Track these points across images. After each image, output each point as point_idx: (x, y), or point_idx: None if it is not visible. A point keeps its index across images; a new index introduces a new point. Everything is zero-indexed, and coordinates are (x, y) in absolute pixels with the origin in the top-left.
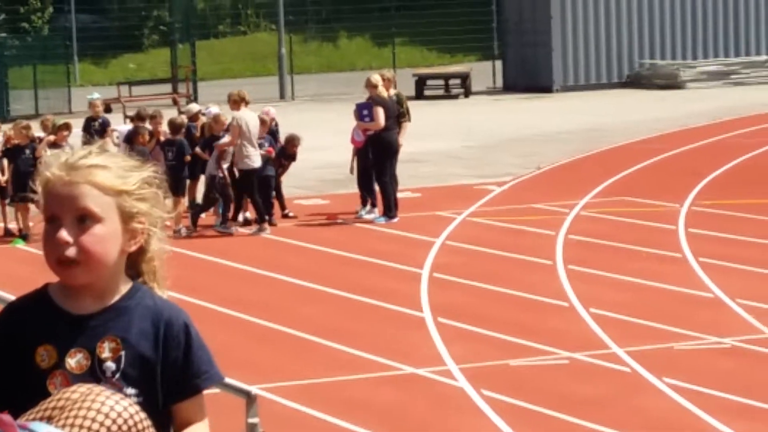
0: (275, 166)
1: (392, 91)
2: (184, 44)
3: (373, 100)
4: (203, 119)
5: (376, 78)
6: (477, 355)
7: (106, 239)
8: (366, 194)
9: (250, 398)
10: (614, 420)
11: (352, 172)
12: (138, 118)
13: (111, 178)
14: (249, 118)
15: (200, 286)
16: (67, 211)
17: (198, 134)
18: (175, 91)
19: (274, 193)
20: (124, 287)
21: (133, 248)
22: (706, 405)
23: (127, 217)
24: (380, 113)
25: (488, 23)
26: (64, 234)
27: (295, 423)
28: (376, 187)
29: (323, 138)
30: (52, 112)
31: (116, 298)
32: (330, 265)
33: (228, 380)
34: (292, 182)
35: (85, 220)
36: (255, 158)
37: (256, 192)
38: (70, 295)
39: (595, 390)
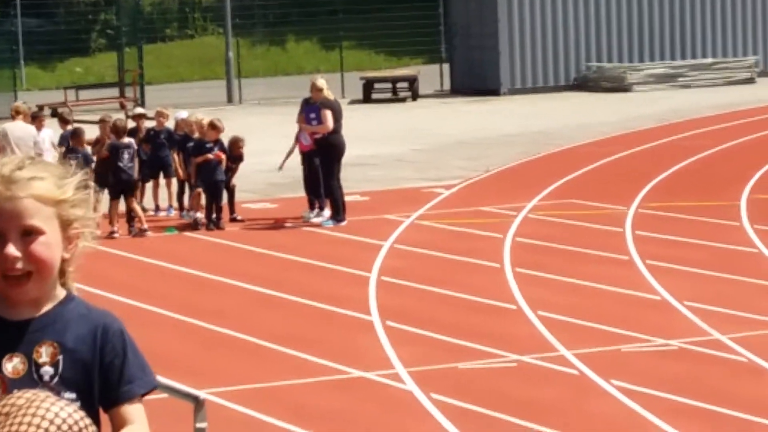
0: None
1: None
2: (132, 48)
3: (321, 104)
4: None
5: (321, 81)
6: (425, 359)
7: (51, 248)
8: (313, 197)
9: (198, 403)
10: (563, 422)
11: (280, 169)
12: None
13: (50, 189)
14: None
15: (149, 291)
16: (11, 227)
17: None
18: (122, 95)
19: (225, 197)
20: (59, 295)
21: (69, 254)
22: (653, 407)
23: (65, 225)
24: (328, 116)
25: (436, 26)
26: (12, 249)
27: (244, 427)
28: (323, 191)
29: (271, 141)
30: None
31: (52, 304)
32: (278, 270)
33: (175, 385)
34: (239, 186)
35: (29, 234)
36: None
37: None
38: (5, 302)
39: (543, 393)
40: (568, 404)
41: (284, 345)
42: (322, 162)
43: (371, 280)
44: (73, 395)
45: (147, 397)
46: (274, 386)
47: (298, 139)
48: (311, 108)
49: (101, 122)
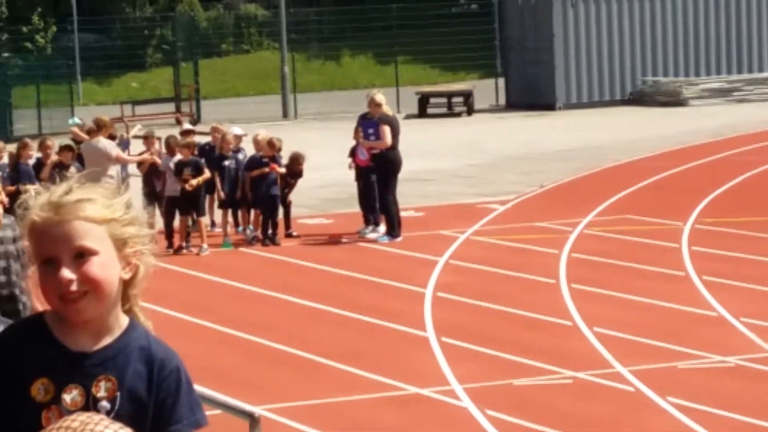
0: (281, 186)
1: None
2: (187, 63)
3: (380, 119)
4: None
5: (380, 97)
6: (481, 375)
7: (106, 268)
8: (368, 213)
9: (253, 420)
10: None
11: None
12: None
13: (99, 209)
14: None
15: (205, 307)
16: (63, 251)
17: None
18: (178, 110)
19: (281, 212)
20: (122, 324)
21: (129, 275)
22: (709, 424)
23: (120, 245)
24: (387, 132)
25: (491, 41)
26: (66, 273)
27: None
28: (378, 206)
29: (326, 157)
30: (54, 131)
31: (114, 336)
32: (334, 285)
33: (231, 401)
34: (295, 201)
35: (83, 255)
36: None
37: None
38: (68, 329)
39: (598, 409)
40: (624, 421)
41: (339, 361)
42: (378, 177)
43: (426, 296)
44: (130, 429)
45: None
46: (329, 402)
47: (354, 154)
48: (369, 123)
49: (145, 139)
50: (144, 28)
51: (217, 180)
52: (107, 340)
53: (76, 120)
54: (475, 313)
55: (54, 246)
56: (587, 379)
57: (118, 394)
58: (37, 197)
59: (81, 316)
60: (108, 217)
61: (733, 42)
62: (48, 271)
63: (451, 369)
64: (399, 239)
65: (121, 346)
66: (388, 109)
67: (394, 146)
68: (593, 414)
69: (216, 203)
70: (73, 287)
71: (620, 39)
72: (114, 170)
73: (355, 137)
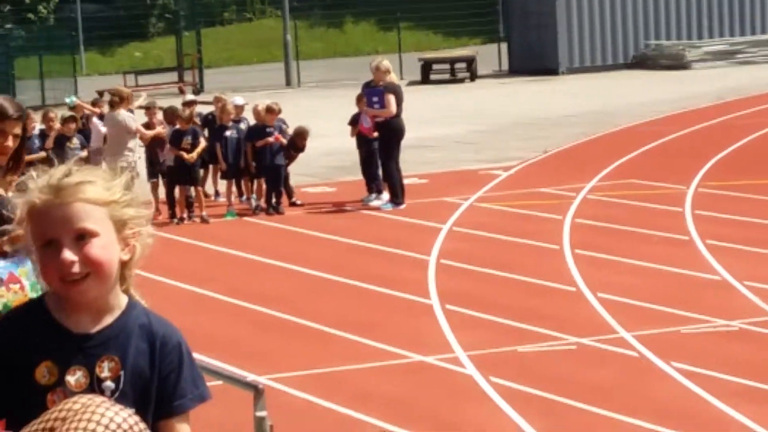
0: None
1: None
2: (190, 32)
3: (385, 87)
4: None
5: (386, 63)
6: (485, 342)
7: (108, 249)
8: (370, 182)
9: (257, 392)
10: (622, 405)
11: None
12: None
13: (99, 191)
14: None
15: (209, 277)
16: (64, 233)
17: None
18: (181, 79)
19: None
20: (122, 304)
21: (128, 256)
22: (714, 389)
23: (119, 226)
24: (392, 100)
25: (493, 6)
26: (68, 254)
27: (303, 413)
28: (380, 174)
29: (330, 124)
30: (58, 102)
31: (114, 316)
32: (338, 254)
33: (235, 371)
34: (298, 170)
35: (84, 237)
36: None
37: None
38: (68, 311)
39: (603, 375)
40: (628, 387)
41: (343, 330)
42: (381, 145)
43: (430, 264)
44: (131, 409)
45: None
46: (333, 371)
47: (357, 122)
48: (373, 91)
49: (147, 109)
50: None
51: (218, 150)
52: (108, 320)
53: (73, 98)
54: (479, 280)
55: (55, 228)
56: (591, 345)
57: (122, 373)
58: (36, 179)
59: (83, 297)
60: (108, 199)
61: (736, 3)
62: (49, 253)
63: (455, 336)
64: (402, 206)
65: (122, 326)
66: (394, 77)
67: (397, 114)
68: (598, 380)
69: (219, 173)
70: (75, 269)
71: (622, 2)
72: (134, 143)
73: (358, 105)
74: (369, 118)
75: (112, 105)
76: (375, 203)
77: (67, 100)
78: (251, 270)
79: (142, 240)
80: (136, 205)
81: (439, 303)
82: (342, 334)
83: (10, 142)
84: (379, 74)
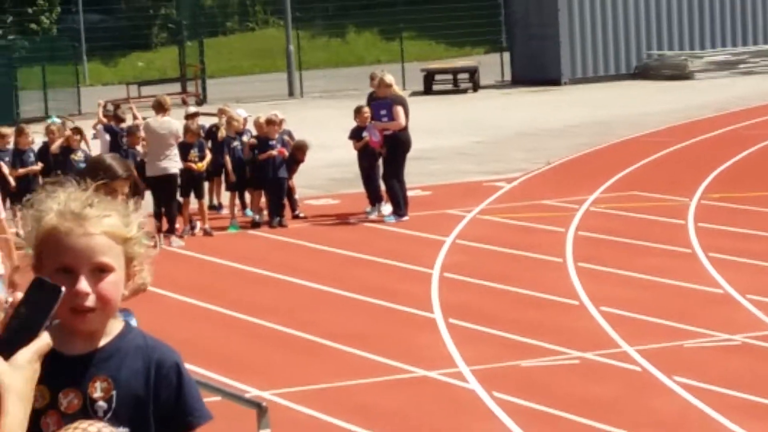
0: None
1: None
2: (193, 42)
3: (393, 100)
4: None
5: (390, 77)
6: (488, 357)
7: (119, 286)
8: (373, 194)
9: (261, 410)
10: (625, 420)
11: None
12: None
13: (121, 227)
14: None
15: (212, 290)
16: (84, 263)
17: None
18: (184, 89)
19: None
20: (117, 328)
21: (127, 292)
22: (716, 404)
23: (128, 262)
24: (401, 113)
25: (496, 16)
26: (85, 286)
27: (307, 428)
28: (382, 186)
29: (333, 136)
30: (61, 113)
31: (108, 338)
32: (341, 267)
33: (239, 387)
34: (301, 182)
35: (102, 271)
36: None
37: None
38: (64, 337)
39: (606, 390)
40: (631, 401)
41: (346, 344)
42: (389, 158)
43: (433, 277)
44: (126, 430)
45: (208, 399)
46: (336, 386)
47: (355, 136)
48: (381, 104)
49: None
50: (149, 8)
51: (228, 162)
52: (102, 343)
53: (55, 119)
54: (482, 293)
55: (75, 257)
56: (594, 360)
57: (114, 392)
58: (49, 200)
59: (87, 327)
60: (126, 235)
61: (738, 14)
62: (63, 280)
63: (458, 350)
64: (406, 218)
65: (116, 347)
66: (398, 89)
67: (405, 126)
68: (600, 395)
69: (224, 185)
70: (89, 302)
71: (625, 12)
72: (174, 150)
73: (359, 119)
74: (378, 132)
75: (157, 111)
76: (381, 213)
77: (49, 121)
78: (254, 283)
79: (141, 277)
80: (145, 243)
81: (442, 316)
82: (344, 348)
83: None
84: (383, 88)
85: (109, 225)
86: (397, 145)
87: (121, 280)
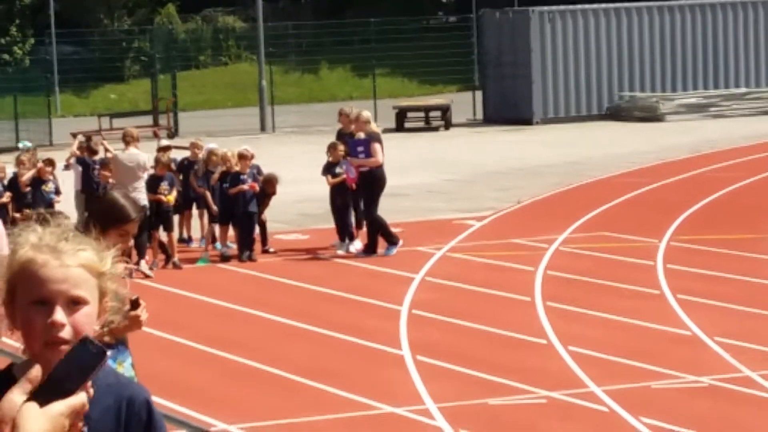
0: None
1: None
2: (165, 75)
3: (370, 137)
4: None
5: (367, 114)
6: (455, 394)
7: (92, 319)
8: (343, 228)
9: None
10: None
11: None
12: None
13: (96, 261)
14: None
15: (180, 323)
16: (60, 296)
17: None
18: (156, 122)
19: (257, 228)
20: None
21: (98, 327)
22: None
23: (101, 297)
24: (379, 150)
25: (469, 54)
26: (61, 316)
27: None
28: (353, 221)
29: (304, 171)
30: (32, 143)
31: None
32: (309, 302)
33: (206, 424)
34: (271, 216)
35: (76, 303)
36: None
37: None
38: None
39: (573, 430)
40: None
41: (314, 379)
42: (365, 195)
43: (402, 314)
44: None
45: None
46: (303, 421)
47: (330, 171)
48: (358, 141)
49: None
50: (122, 41)
51: (208, 195)
52: None
53: (27, 144)
54: (450, 331)
55: (51, 289)
56: (562, 399)
57: (85, 430)
58: (24, 233)
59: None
60: (101, 269)
61: (710, 57)
62: (38, 313)
63: (426, 387)
64: (401, 243)
65: None
66: (374, 126)
67: (381, 163)
68: None
69: (208, 217)
70: (64, 333)
71: (597, 54)
72: (142, 182)
73: (333, 155)
74: (354, 168)
75: (127, 143)
76: (345, 250)
77: (20, 145)
78: (222, 317)
79: (113, 313)
80: (118, 280)
81: (410, 353)
82: (312, 383)
83: (130, 242)
84: (360, 124)
85: (85, 258)
86: (373, 181)
87: (94, 314)
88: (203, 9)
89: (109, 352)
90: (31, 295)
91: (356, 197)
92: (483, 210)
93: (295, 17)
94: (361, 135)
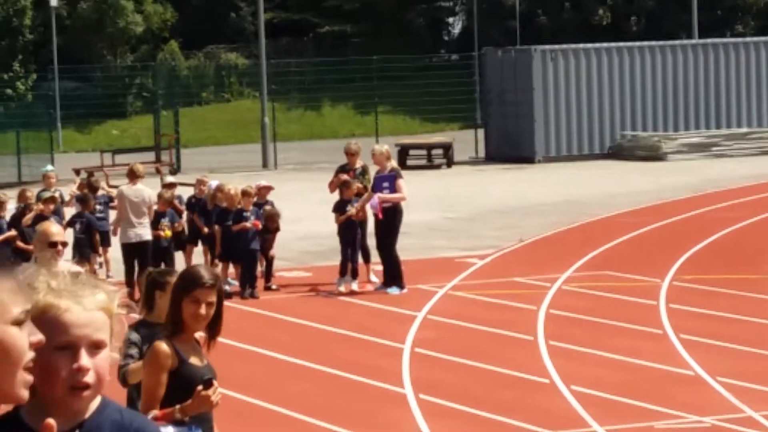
0: (260, 240)
1: (359, 163)
2: (168, 111)
3: (396, 172)
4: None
5: (387, 149)
6: None
7: (110, 362)
8: (346, 264)
9: None
10: None
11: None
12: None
13: (109, 303)
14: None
15: None
16: (84, 340)
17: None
18: (158, 158)
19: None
20: (95, 403)
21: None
22: None
23: (111, 338)
24: (403, 185)
25: (471, 93)
26: (87, 362)
27: None
28: (359, 258)
29: (306, 208)
30: (35, 179)
31: (87, 414)
32: (312, 340)
33: None
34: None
35: (98, 347)
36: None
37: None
38: (42, 413)
39: None
40: None
41: (316, 417)
42: (385, 230)
43: (405, 352)
44: None
45: None
46: None
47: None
48: (384, 177)
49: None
50: (125, 77)
51: (218, 233)
52: (81, 418)
53: (49, 167)
54: (453, 370)
55: (76, 334)
56: None
57: None
58: (41, 277)
59: (82, 405)
60: (113, 311)
61: (712, 97)
62: (62, 358)
63: (428, 426)
64: (405, 290)
65: (95, 424)
66: (394, 162)
67: (406, 198)
68: None
69: (210, 255)
70: (89, 378)
71: (599, 93)
72: (146, 218)
73: (346, 193)
74: (378, 204)
75: (131, 179)
76: (343, 287)
77: (42, 170)
78: (224, 355)
79: (115, 352)
80: (122, 320)
81: (412, 392)
82: (315, 421)
83: (203, 310)
84: (381, 159)
85: (102, 301)
86: (396, 216)
87: (110, 356)
88: (206, 46)
89: (179, 429)
90: (54, 341)
91: (364, 235)
92: (485, 248)
93: (297, 54)
94: (387, 169)
